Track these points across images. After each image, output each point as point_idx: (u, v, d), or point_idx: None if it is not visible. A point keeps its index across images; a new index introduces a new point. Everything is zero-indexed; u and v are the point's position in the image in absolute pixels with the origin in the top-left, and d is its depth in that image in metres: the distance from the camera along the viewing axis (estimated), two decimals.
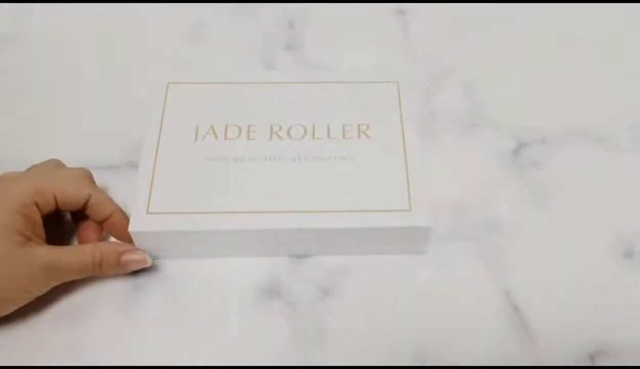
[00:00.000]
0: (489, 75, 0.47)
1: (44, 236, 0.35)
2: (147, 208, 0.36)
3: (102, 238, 0.38)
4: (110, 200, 0.38)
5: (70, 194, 0.35)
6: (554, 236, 0.40)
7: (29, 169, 0.37)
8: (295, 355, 0.35)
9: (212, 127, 0.40)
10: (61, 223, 0.39)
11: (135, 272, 0.37)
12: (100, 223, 0.37)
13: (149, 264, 0.37)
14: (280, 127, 0.40)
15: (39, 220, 0.34)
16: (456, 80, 0.47)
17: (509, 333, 0.36)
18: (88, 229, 0.37)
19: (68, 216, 0.40)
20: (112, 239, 0.39)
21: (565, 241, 0.39)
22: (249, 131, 0.40)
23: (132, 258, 0.36)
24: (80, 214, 0.37)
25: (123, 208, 0.39)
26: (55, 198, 0.35)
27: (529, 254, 0.39)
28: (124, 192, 0.40)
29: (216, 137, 0.40)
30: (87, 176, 0.37)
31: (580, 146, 0.44)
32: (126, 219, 0.37)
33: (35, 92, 0.46)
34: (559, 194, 0.41)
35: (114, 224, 0.37)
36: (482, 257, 0.39)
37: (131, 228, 0.36)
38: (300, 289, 0.37)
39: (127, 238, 0.37)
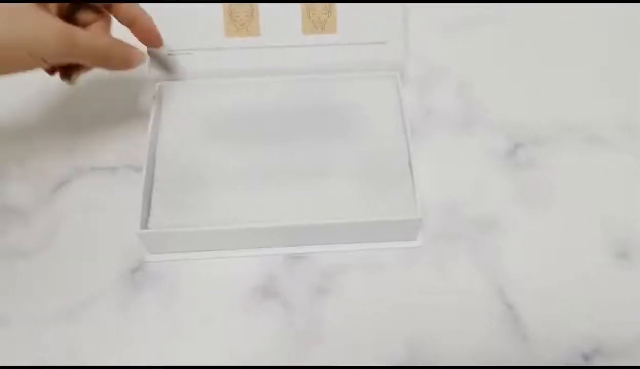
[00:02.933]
0: (483, 75, 0.47)
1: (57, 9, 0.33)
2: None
3: None
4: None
5: None
6: (548, 236, 0.39)
7: None
8: (290, 354, 0.35)
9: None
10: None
11: (132, 271, 0.38)
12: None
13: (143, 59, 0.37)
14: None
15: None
16: (450, 79, 0.46)
17: (503, 332, 0.36)
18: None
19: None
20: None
21: (559, 240, 0.39)
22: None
23: (136, 53, 0.36)
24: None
25: (122, 210, 0.39)
26: None
27: (523, 254, 0.39)
28: (123, 193, 0.40)
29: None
30: None
31: (574, 145, 0.43)
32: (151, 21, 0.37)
33: (31, 92, 0.46)
34: (553, 194, 0.41)
35: (141, 28, 0.37)
36: (476, 256, 0.39)
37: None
38: (296, 288, 0.38)
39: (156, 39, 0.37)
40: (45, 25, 0.31)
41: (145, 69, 0.42)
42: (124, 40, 0.37)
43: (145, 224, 0.38)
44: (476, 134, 0.44)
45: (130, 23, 0.37)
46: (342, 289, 0.38)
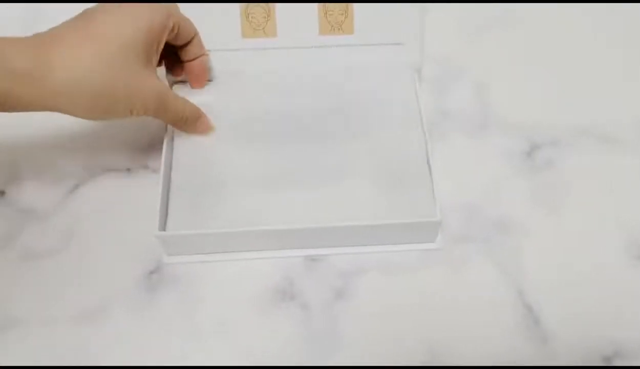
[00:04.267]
0: (500, 76, 0.47)
1: (156, 63, 0.36)
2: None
3: None
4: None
5: (187, 26, 0.37)
6: (566, 237, 0.39)
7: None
8: (308, 357, 0.35)
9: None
10: None
11: (150, 273, 0.38)
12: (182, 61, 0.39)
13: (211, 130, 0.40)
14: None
15: (161, 45, 0.35)
16: (467, 80, 0.46)
17: (523, 334, 0.36)
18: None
19: None
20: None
21: (578, 241, 0.39)
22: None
23: (205, 123, 0.39)
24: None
25: (138, 212, 0.39)
26: (177, 27, 0.36)
27: (542, 255, 0.39)
28: (139, 195, 0.40)
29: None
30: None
31: (591, 147, 0.43)
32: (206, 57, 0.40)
33: None
34: (571, 195, 0.41)
35: (198, 65, 0.39)
36: (495, 258, 0.39)
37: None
38: (314, 291, 0.37)
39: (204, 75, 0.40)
40: (149, 86, 0.34)
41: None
42: None
43: (163, 226, 0.37)
44: (493, 135, 0.44)
45: (192, 59, 0.39)
46: (360, 292, 0.37)
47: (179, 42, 0.38)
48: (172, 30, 0.36)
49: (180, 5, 0.39)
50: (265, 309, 0.37)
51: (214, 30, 0.41)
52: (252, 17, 0.42)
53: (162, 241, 0.37)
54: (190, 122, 0.38)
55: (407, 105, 0.42)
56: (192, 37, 0.38)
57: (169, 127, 0.40)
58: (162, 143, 0.39)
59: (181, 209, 0.38)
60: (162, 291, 0.37)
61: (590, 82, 0.46)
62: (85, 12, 0.33)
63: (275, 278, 0.38)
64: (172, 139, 0.40)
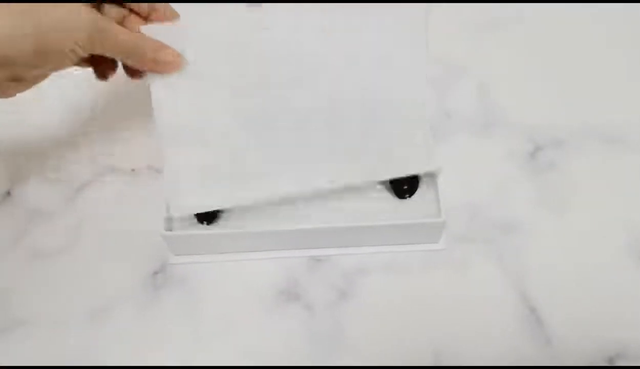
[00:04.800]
0: (503, 76, 0.46)
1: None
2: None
3: None
4: None
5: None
6: (570, 238, 0.39)
7: None
8: (312, 356, 0.36)
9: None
10: None
11: (155, 273, 0.38)
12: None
13: (178, 68, 0.35)
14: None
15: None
16: (470, 81, 0.46)
17: (526, 335, 0.36)
18: None
19: None
20: None
21: (581, 242, 0.39)
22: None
23: (166, 58, 0.35)
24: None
25: (144, 212, 0.39)
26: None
27: (546, 256, 0.39)
28: (144, 195, 0.41)
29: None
30: None
31: (595, 148, 0.43)
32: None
33: (55, 94, 0.45)
34: (575, 196, 0.41)
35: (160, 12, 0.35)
36: (498, 259, 0.39)
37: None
38: (318, 291, 0.38)
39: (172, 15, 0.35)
40: (79, 12, 0.32)
41: None
42: None
43: (169, 226, 0.37)
44: (496, 136, 0.44)
45: (149, 12, 0.36)
46: (364, 292, 0.38)
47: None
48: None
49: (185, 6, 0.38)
50: (269, 309, 0.37)
51: None
52: None
53: (168, 241, 0.37)
54: (150, 49, 0.34)
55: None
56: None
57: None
58: None
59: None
60: (168, 291, 0.38)
61: (593, 82, 0.46)
62: None
63: (280, 278, 0.38)
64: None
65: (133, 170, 0.42)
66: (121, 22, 0.35)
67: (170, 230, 0.37)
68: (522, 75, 0.47)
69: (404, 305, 0.37)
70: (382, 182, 0.39)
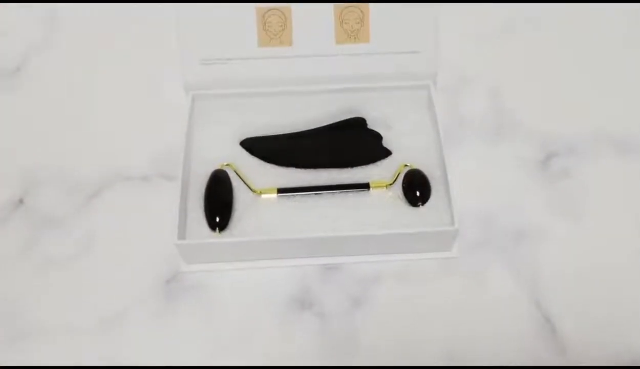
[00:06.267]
0: (515, 83, 0.46)
1: None
2: None
3: None
4: None
5: None
6: (584, 245, 0.39)
7: None
8: (326, 366, 0.35)
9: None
10: None
11: (167, 281, 0.38)
12: None
13: None
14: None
15: None
16: (482, 87, 0.46)
17: (541, 345, 0.36)
18: None
19: None
20: None
21: (596, 250, 0.39)
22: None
23: None
24: None
25: (155, 220, 0.39)
26: None
27: (560, 263, 0.39)
28: (156, 202, 0.40)
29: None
30: None
31: (608, 154, 0.43)
32: None
33: (65, 103, 0.46)
34: (588, 203, 0.41)
35: None
36: (511, 266, 0.38)
37: None
38: (331, 299, 0.37)
39: None
40: None
41: (178, 76, 0.42)
42: None
43: (182, 234, 0.37)
44: (509, 143, 0.44)
45: None
46: (377, 301, 0.37)
47: None
48: None
49: (198, 13, 0.39)
50: (282, 317, 0.37)
51: (231, 39, 0.41)
52: (268, 26, 0.42)
53: (181, 250, 0.37)
54: None
55: (422, 113, 0.43)
56: None
57: (186, 134, 0.40)
58: (179, 151, 0.40)
59: (199, 217, 0.38)
60: (180, 300, 0.37)
61: (607, 88, 0.46)
62: None
63: (293, 286, 0.38)
64: (190, 147, 0.41)
65: (145, 178, 0.42)
66: None
67: (183, 238, 0.37)
68: (535, 81, 0.46)
69: (418, 314, 0.37)
70: (395, 191, 0.40)
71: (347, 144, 0.42)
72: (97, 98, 0.46)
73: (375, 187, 0.40)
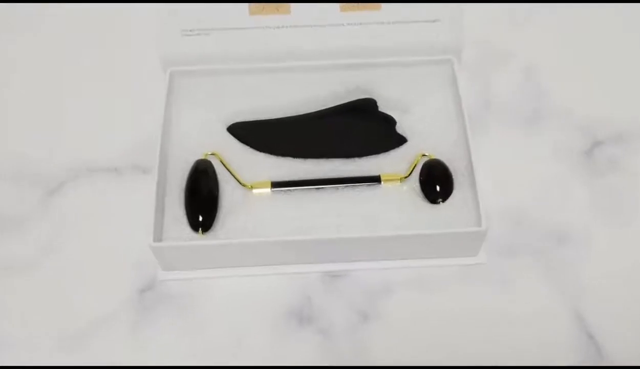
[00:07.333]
0: (554, 60, 0.44)
1: None
2: None
3: None
4: None
5: None
6: (632, 250, 0.37)
7: None
8: None
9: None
10: None
11: (142, 291, 0.36)
12: None
13: None
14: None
15: None
16: (514, 65, 0.44)
17: (582, 364, 0.34)
18: None
19: None
20: None
21: None
22: None
23: None
24: None
25: (128, 219, 0.37)
26: None
27: (606, 272, 0.36)
28: (129, 199, 0.38)
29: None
30: None
31: None
32: None
33: (24, 86, 0.44)
34: (638, 200, 0.39)
35: None
36: (548, 274, 0.36)
37: None
38: (335, 313, 0.35)
39: None
40: None
41: (155, 53, 0.40)
42: None
43: (159, 236, 0.35)
44: (545, 129, 0.42)
45: None
46: (389, 314, 0.35)
47: None
48: None
49: None
50: (278, 334, 0.35)
51: (216, 5, 0.39)
52: None
53: (158, 254, 0.35)
54: None
55: (443, 94, 0.40)
56: None
57: (164, 119, 0.38)
58: (155, 138, 0.37)
59: (178, 215, 0.36)
60: (156, 313, 0.35)
61: None
62: None
63: (290, 297, 0.36)
64: (167, 134, 0.38)
65: (116, 170, 0.40)
66: None
67: (160, 240, 0.35)
68: (577, 59, 0.45)
69: (437, 329, 0.35)
70: (411, 186, 0.37)
71: (354, 129, 0.39)
72: (61, 79, 0.44)
73: (388, 180, 0.38)
